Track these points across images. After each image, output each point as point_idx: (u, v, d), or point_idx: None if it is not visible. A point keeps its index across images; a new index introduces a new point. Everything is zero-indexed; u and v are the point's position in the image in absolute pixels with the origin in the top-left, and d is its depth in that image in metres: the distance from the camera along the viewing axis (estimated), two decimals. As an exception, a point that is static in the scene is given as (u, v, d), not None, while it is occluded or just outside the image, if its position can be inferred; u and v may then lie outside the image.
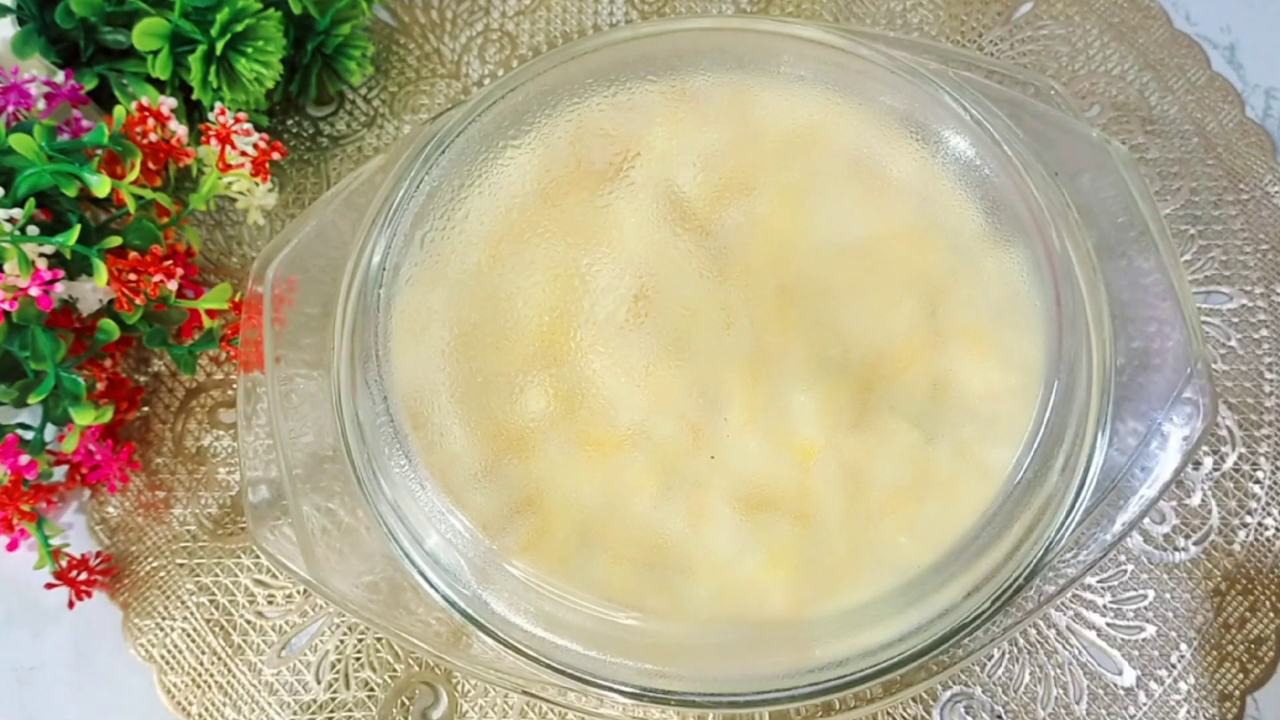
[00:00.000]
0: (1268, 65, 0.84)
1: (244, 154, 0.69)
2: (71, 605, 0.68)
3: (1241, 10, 0.86)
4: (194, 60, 0.71)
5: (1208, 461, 0.71)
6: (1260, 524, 0.69)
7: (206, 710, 0.67)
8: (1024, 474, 0.64)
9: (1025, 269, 0.69)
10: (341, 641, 0.68)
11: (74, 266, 0.65)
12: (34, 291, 0.60)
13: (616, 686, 0.56)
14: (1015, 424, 0.65)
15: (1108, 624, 0.67)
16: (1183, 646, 0.67)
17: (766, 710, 0.63)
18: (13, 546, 0.67)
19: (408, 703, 0.67)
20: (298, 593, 0.69)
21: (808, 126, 0.74)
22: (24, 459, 0.65)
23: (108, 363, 0.72)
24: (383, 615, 0.60)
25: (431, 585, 0.58)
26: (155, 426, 0.74)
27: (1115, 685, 0.66)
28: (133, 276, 0.64)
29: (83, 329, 0.69)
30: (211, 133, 0.69)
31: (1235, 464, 0.71)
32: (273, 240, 0.64)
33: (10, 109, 0.69)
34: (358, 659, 0.68)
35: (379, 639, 0.68)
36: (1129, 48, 0.84)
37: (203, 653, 0.68)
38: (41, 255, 0.62)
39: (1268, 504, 0.70)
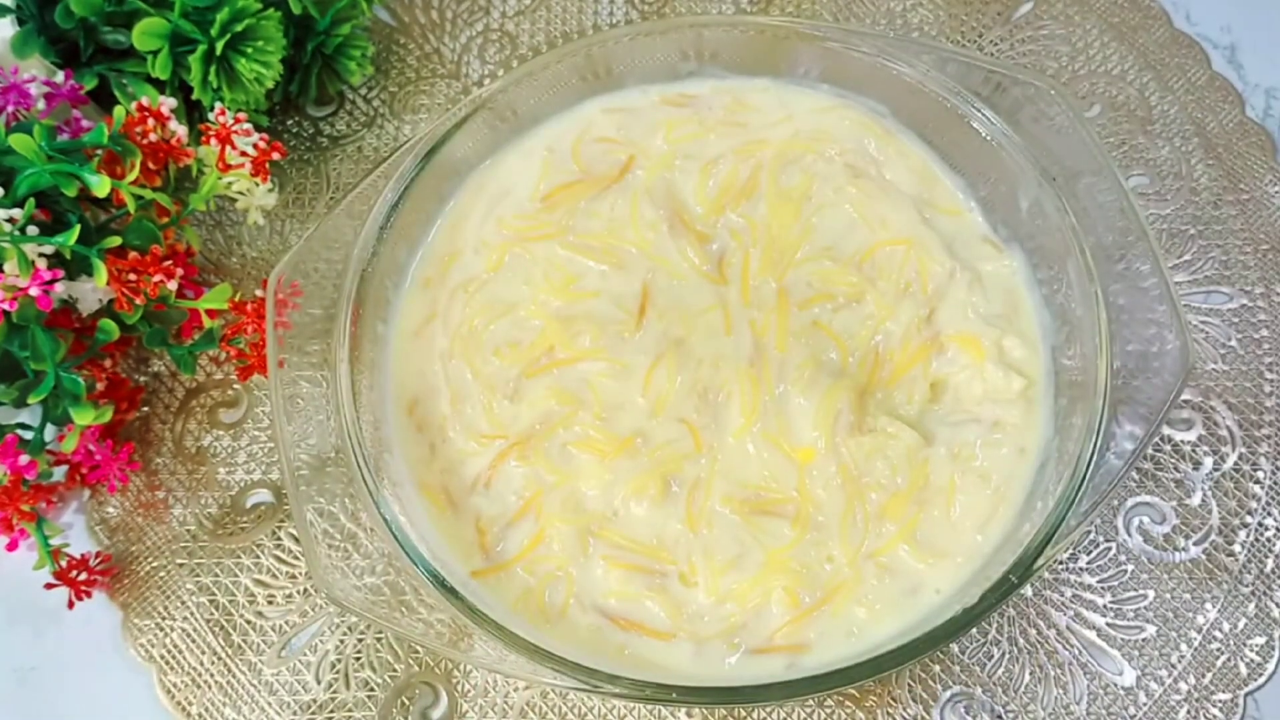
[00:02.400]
0: (1268, 65, 0.84)
1: (244, 154, 0.69)
2: (71, 605, 0.68)
3: (1241, 10, 0.86)
4: (194, 60, 0.71)
5: (1208, 461, 0.71)
6: (1260, 524, 0.69)
7: (206, 710, 0.67)
8: (1024, 478, 0.65)
9: (1023, 273, 0.70)
10: (341, 641, 0.68)
11: (74, 266, 0.65)
12: (34, 291, 0.60)
13: (615, 686, 0.55)
14: (1014, 427, 0.65)
15: (1108, 624, 0.67)
16: (1183, 646, 0.67)
17: (763, 705, 0.63)
18: (12, 546, 0.67)
19: (408, 703, 0.67)
20: (297, 593, 0.69)
21: (807, 130, 0.74)
22: (24, 459, 0.65)
23: (108, 363, 0.72)
24: (387, 617, 0.61)
25: (435, 586, 0.58)
26: (155, 426, 0.74)
27: (1115, 685, 0.66)
28: (133, 276, 0.64)
29: (83, 329, 0.69)
30: (211, 133, 0.69)
31: (1235, 464, 0.71)
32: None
33: (10, 109, 0.69)
34: (358, 659, 0.68)
35: (379, 639, 0.68)
36: (1129, 48, 0.84)
37: (203, 653, 0.68)
38: (41, 255, 0.62)
39: (1268, 504, 0.70)
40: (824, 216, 0.71)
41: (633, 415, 0.66)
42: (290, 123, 0.83)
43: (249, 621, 0.69)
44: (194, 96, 0.72)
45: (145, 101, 0.68)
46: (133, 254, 0.65)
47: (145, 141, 0.68)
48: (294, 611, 0.69)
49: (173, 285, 0.65)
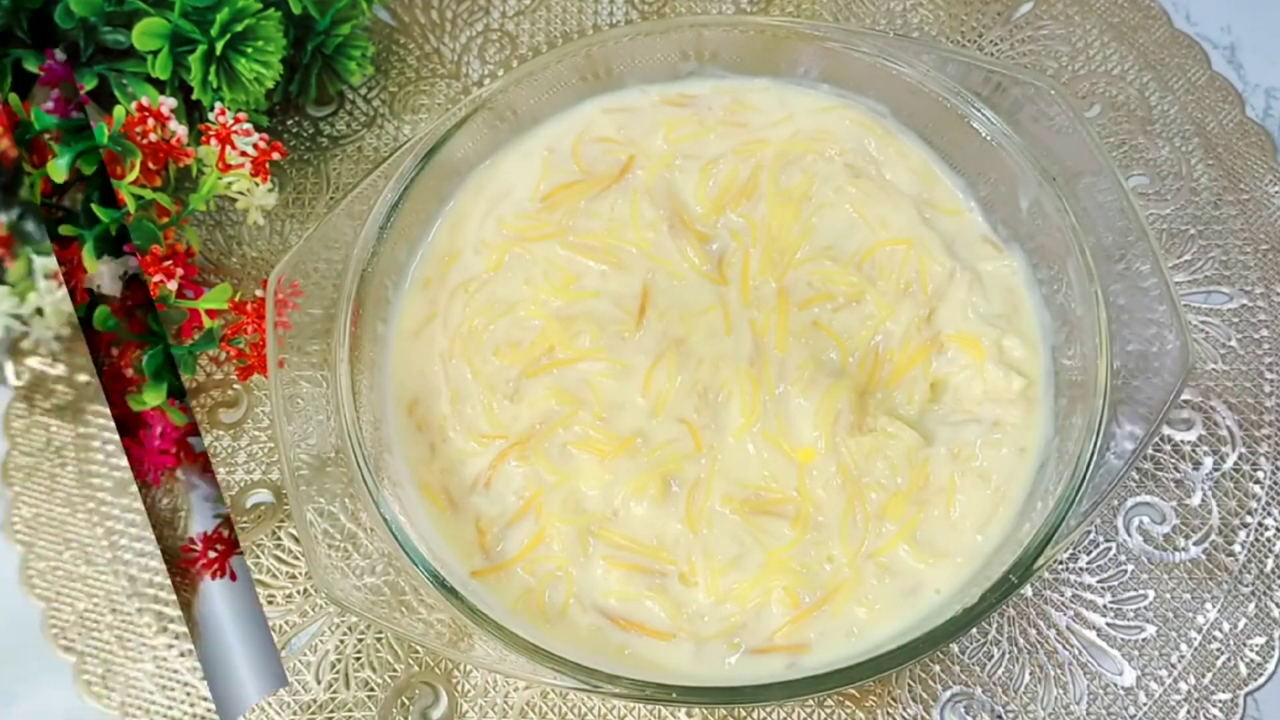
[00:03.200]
0: (1268, 65, 0.84)
1: (244, 154, 0.69)
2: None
3: (1241, 10, 0.86)
4: (194, 60, 0.71)
5: (1208, 461, 0.71)
6: (1260, 524, 0.69)
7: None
8: (1024, 478, 0.65)
9: (1023, 273, 0.70)
10: (341, 641, 0.68)
11: (74, 267, 0.65)
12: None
13: (615, 686, 0.55)
14: (1014, 428, 0.65)
15: (1108, 624, 0.67)
16: (1183, 646, 0.67)
17: (763, 705, 0.63)
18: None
19: (408, 703, 0.67)
20: (297, 593, 0.69)
21: (807, 130, 0.74)
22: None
23: (108, 362, 0.72)
24: (387, 617, 0.61)
25: (435, 586, 0.58)
26: (155, 426, 0.74)
27: (1115, 685, 0.66)
28: (133, 277, 0.64)
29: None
30: (211, 133, 0.69)
31: (1235, 464, 0.71)
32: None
33: None
34: (358, 659, 0.68)
35: (379, 639, 0.68)
36: (1129, 48, 0.84)
37: (203, 653, 0.68)
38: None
39: (1268, 504, 0.70)
40: (824, 216, 0.72)
41: (633, 415, 0.66)
42: (290, 123, 0.83)
43: (249, 621, 0.69)
44: (194, 96, 0.72)
45: (145, 101, 0.68)
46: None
47: (145, 141, 0.68)
48: (294, 611, 0.69)
49: (173, 285, 0.65)
